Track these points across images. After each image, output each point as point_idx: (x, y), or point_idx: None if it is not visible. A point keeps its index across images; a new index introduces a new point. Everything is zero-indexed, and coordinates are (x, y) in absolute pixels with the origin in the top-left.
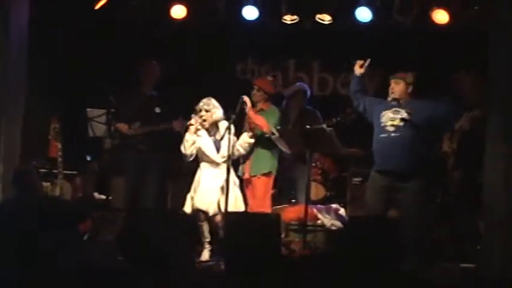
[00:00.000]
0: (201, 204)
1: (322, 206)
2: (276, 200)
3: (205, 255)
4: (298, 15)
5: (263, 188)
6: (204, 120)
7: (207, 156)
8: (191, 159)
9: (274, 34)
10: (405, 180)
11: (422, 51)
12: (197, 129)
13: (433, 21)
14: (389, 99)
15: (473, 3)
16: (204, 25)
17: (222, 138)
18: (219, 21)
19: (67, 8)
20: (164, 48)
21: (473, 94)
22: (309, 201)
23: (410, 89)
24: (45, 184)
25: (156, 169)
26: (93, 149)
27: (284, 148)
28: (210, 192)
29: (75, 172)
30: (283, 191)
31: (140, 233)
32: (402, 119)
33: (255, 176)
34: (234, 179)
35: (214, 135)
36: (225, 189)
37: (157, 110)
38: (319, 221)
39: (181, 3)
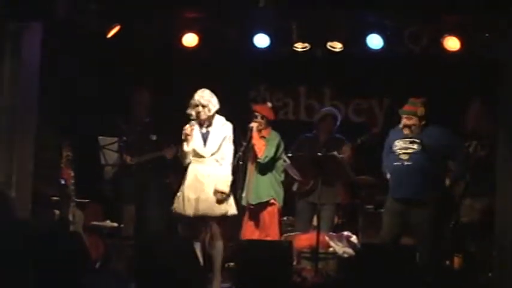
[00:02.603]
0: (179, 206)
1: (334, 234)
2: (289, 226)
3: (216, 282)
4: (309, 43)
5: (266, 216)
6: (199, 117)
7: (194, 150)
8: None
9: (286, 61)
10: (418, 206)
11: (433, 79)
12: (187, 136)
13: (444, 49)
14: (404, 131)
15: (485, 30)
16: (216, 53)
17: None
18: (230, 49)
19: (80, 35)
20: (176, 76)
21: (482, 123)
22: (330, 229)
23: (423, 122)
24: (57, 211)
25: (157, 195)
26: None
27: (295, 175)
28: (189, 191)
29: (87, 200)
30: (302, 218)
31: (150, 261)
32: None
33: (254, 204)
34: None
35: (206, 126)
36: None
37: (154, 137)
38: (331, 249)
39: (193, 32)
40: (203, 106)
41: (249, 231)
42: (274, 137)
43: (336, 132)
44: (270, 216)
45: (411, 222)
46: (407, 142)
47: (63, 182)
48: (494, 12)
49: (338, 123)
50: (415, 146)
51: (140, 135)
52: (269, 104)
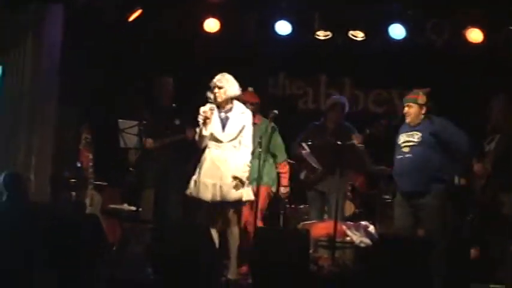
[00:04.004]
0: (196, 191)
1: (351, 223)
2: (304, 215)
3: (232, 269)
4: (331, 31)
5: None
6: (216, 99)
7: (212, 134)
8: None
9: (307, 49)
10: (422, 198)
11: (454, 71)
12: (206, 119)
13: (466, 40)
14: (406, 120)
15: (508, 22)
16: (237, 39)
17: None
18: (252, 35)
19: (102, 19)
20: (197, 61)
21: (505, 117)
22: (338, 218)
23: (424, 110)
24: (75, 194)
25: (177, 180)
26: (124, 160)
27: (314, 164)
28: (207, 176)
29: (105, 183)
30: (315, 207)
31: (168, 246)
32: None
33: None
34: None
35: (226, 111)
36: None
37: (177, 121)
38: (348, 238)
39: (215, 17)
40: (219, 88)
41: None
42: (265, 122)
43: (346, 121)
44: (263, 201)
45: (419, 214)
46: (409, 135)
47: (79, 165)
48: None
49: (346, 111)
50: (416, 138)
51: (162, 119)
52: (250, 89)
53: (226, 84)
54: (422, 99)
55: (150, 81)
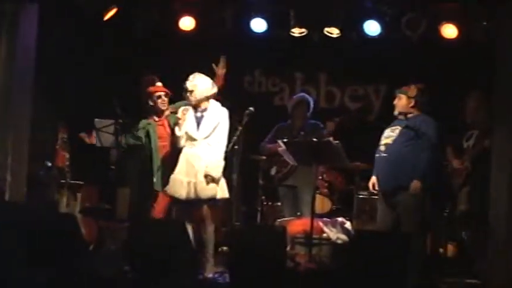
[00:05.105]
0: (172, 189)
1: (328, 219)
2: (280, 212)
3: (209, 266)
4: (306, 28)
5: None
6: (190, 101)
7: (187, 133)
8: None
9: (282, 47)
10: (399, 195)
11: (429, 66)
12: (178, 120)
13: (441, 36)
14: (395, 112)
15: (482, 18)
16: (213, 37)
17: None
18: (227, 33)
19: (77, 17)
20: (172, 59)
21: (481, 113)
22: (314, 214)
23: (412, 103)
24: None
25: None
26: (100, 159)
27: (290, 160)
28: (182, 174)
29: (81, 182)
30: (287, 203)
31: (144, 243)
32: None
33: None
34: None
35: (201, 111)
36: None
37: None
38: (324, 235)
39: (190, 15)
40: (190, 91)
41: None
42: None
43: (311, 118)
44: None
45: (397, 210)
46: (393, 129)
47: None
48: (492, 0)
49: (311, 108)
50: (395, 133)
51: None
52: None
53: (197, 86)
54: (412, 92)
55: (127, 80)
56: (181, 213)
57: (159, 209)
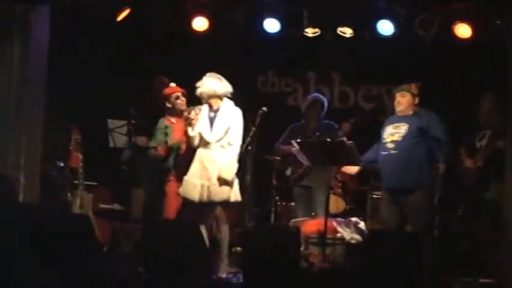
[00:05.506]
0: (185, 191)
1: (342, 219)
2: (294, 212)
3: (223, 266)
4: (319, 28)
5: None
6: (201, 100)
7: (200, 134)
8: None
9: (295, 47)
10: (409, 194)
11: (443, 66)
12: (191, 120)
13: (455, 36)
14: (396, 112)
15: (496, 18)
16: (226, 37)
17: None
18: (240, 33)
19: (90, 18)
20: (186, 60)
21: (495, 114)
22: (328, 214)
23: (416, 101)
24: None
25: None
26: (113, 160)
27: (304, 161)
28: (195, 177)
29: (95, 183)
30: (301, 204)
31: (157, 243)
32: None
33: None
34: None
35: (215, 111)
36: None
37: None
38: (338, 234)
39: (203, 16)
40: (198, 89)
41: None
42: None
43: (325, 118)
44: None
45: (407, 210)
46: (396, 126)
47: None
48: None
49: (325, 108)
50: (403, 130)
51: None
52: (173, 84)
53: (204, 84)
54: (415, 89)
55: (141, 81)
56: (193, 214)
57: (171, 209)
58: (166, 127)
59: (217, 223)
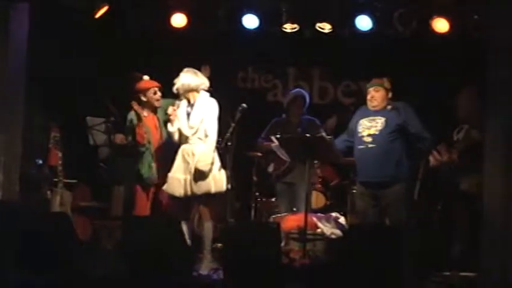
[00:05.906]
0: (169, 187)
1: (322, 215)
2: (275, 208)
3: (206, 263)
4: (298, 24)
5: None
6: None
7: (179, 129)
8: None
9: (275, 43)
10: (386, 188)
11: (421, 61)
12: (169, 116)
13: (433, 31)
14: (370, 107)
15: (473, 12)
16: (205, 34)
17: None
18: (219, 29)
19: (68, 16)
20: (164, 56)
21: (474, 108)
22: (309, 210)
23: (390, 95)
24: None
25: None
26: (93, 158)
27: (284, 156)
28: (179, 172)
29: (75, 181)
30: (283, 200)
31: (137, 241)
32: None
33: None
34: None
35: (191, 105)
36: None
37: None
38: (319, 230)
39: (182, 12)
40: (174, 85)
41: None
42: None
43: (307, 114)
44: None
45: (382, 204)
46: (371, 120)
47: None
48: None
49: (307, 103)
50: (379, 124)
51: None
52: (146, 77)
53: (179, 79)
54: (387, 83)
55: (119, 78)
56: (178, 210)
57: (142, 204)
58: (135, 115)
59: (200, 219)
